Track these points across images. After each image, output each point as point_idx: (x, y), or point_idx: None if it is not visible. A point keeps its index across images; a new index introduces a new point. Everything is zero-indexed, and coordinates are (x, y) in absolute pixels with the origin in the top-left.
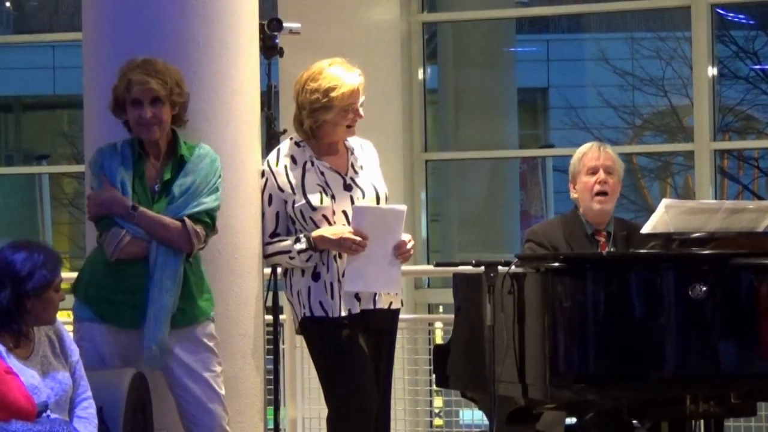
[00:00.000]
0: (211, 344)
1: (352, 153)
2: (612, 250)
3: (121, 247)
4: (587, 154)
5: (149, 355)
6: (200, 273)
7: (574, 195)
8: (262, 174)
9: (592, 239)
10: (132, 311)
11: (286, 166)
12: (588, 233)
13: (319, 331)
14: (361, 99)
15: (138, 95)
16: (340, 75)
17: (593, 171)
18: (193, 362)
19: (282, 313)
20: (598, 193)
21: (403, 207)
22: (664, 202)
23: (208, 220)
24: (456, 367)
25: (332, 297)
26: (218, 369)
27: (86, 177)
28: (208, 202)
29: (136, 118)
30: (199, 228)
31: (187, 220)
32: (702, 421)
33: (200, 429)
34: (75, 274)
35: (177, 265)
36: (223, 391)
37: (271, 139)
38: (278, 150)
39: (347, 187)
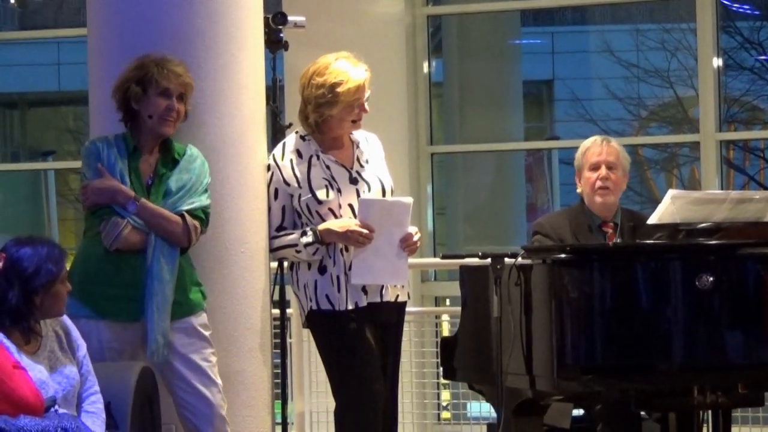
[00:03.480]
0: (206, 333)
1: (358, 146)
2: (619, 241)
3: (122, 236)
4: (590, 149)
5: (154, 347)
6: (191, 266)
7: (579, 188)
8: (268, 168)
9: (599, 231)
10: (131, 304)
11: (291, 160)
12: (595, 225)
13: (326, 325)
14: (367, 94)
15: (171, 85)
16: (346, 70)
17: (595, 167)
18: (189, 352)
19: (289, 307)
20: (600, 188)
21: (410, 199)
22: (671, 192)
23: (203, 216)
24: (463, 359)
25: (339, 290)
26: (213, 359)
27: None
28: (202, 199)
29: (163, 110)
30: (197, 223)
31: (186, 215)
32: (710, 412)
33: (198, 418)
34: None
35: (174, 257)
36: (219, 381)
37: (276, 133)
38: (284, 144)
39: (353, 181)
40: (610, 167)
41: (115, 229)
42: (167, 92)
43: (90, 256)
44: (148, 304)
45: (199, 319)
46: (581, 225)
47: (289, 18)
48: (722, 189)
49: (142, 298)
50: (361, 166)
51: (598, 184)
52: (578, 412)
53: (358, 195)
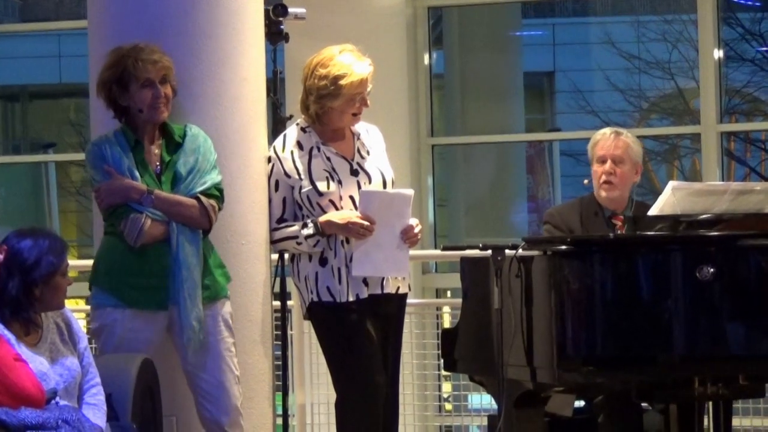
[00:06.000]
0: (230, 323)
1: (359, 138)
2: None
3: (144, 231)
4: (599, 142)
5: (191, 333)
6: (212, 247)
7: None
8: (269, 160)
9: (609, 222)
10: (157, 293)
11: (292, 152)
12: (605, 216)
13: (327, 317)
14: (369, 88)
15: (151, 74)
16: (350, 63)
17: (602, 160)
18: (214, 340)
19: (290, 298)
20: (604, 183)
21: (411, 191)
22: (671, 184)
23: (218, 193)
24: (464, 351)
25: (340, 282)
26: (234, 350)
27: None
28: (213, 176)
29: (150, 99)
30: (213, 202)
31: (201, 196)
32: (711, 403)
33: (216, 408)
34: (83, 262)
35: (198, 242)
36: (238, 372)
37: (277, 125)
38: (284, 136)
39: (354, 173)
40: (616, 161)
41: (136, 226)
42: (149, 82)
43: (114, 250)
44: (179, 292)
45: (225, 308)
46: (592, 216)
47: (290, 10)
48: (723, 180)
49: (168, 287)
50: (362, 157)
51: (603, 178)
52: (579, 403)
53: (359, 187)
